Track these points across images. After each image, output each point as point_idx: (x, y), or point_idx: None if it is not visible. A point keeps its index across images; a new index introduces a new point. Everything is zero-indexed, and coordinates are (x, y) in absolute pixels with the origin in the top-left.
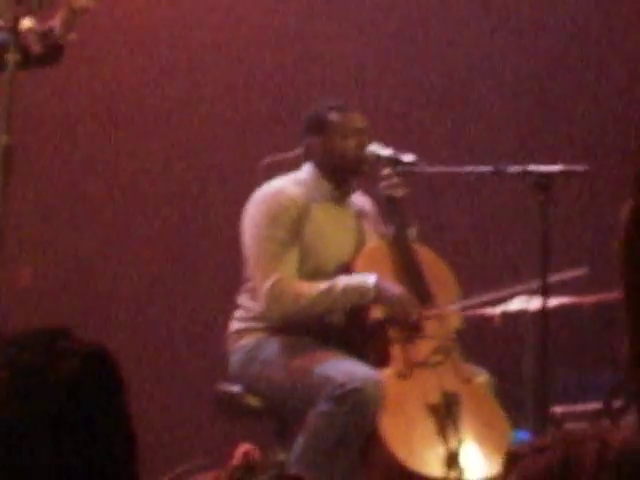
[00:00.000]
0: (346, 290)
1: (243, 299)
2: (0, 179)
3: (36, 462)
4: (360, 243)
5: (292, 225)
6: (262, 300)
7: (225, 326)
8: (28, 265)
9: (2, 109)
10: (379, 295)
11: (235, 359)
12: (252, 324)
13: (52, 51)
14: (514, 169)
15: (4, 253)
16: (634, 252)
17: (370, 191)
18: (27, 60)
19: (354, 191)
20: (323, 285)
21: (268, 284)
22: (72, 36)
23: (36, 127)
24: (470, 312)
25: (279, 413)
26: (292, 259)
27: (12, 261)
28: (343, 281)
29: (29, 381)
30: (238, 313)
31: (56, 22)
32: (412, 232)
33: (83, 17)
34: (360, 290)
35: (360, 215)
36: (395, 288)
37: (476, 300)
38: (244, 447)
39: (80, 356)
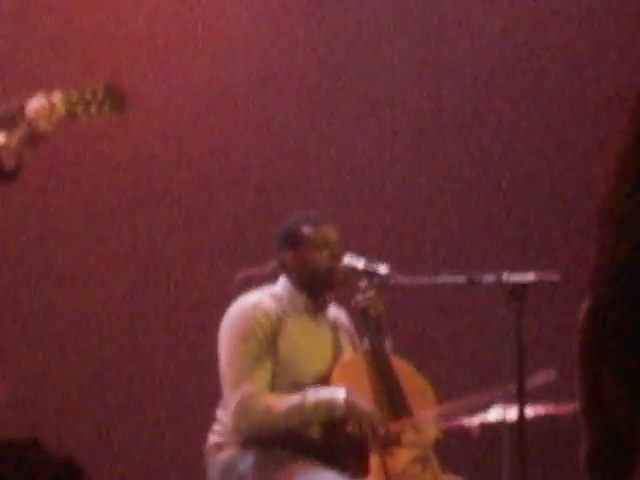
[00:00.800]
0: (316, 405)
1: (220, 413)
2: None
3: None
4: (336, 355)
5: (266, 339)
6: (231, 413)
7: (205, 439)
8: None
9: None
10: (348, 410)
11: (213, 473)
12: (230, 438)
13: (10, 171)
14: (488, 279)
15: None
16: (589, 356)
17: (344, 302)
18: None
19: (329, 303)
20: (292, 400)
21: (237, 398)
22: (27, 158)
23: None
24: (448, 423)
25: None
26: (264, 373)
27: None
28: (313, 395)
29: None
30: (216, 427)
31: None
32: (388, 344)
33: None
34: (329, 406)
35: (336, 327)
36: (363, 403)
37: (452, 408)
38: None
39: (51, 467)
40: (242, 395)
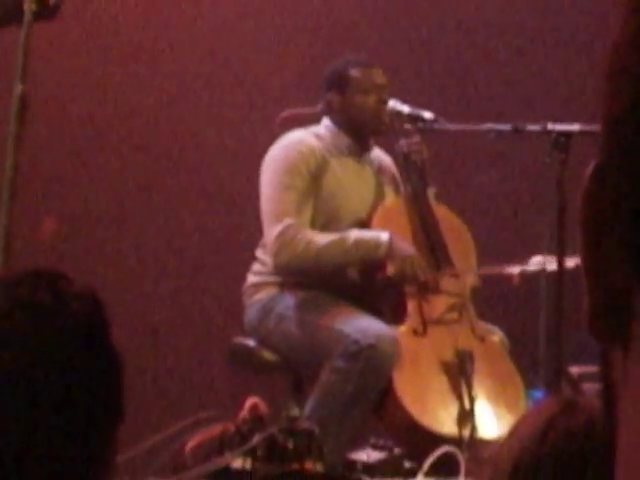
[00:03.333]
0: (358, 243)
1: (260, 253)
2: (14, 128)
3: (40, 403)
4: (378, 199)
5: (309, 175)
6: (271, 246)
7: (243, 280)
8: (50, 216)
9: (18, 59)
10: (390, 252)
11: (251, 313)
12: (268, 278)
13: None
14: (533, 127)
15: (24, 204)
16: (592, 214)
17: (388, 147)
18: (43, 10)
19: (372, 147)
20: (334, 236)
21: (279, 228)
22: None
23: (51, 77)
24: (487, 271)
25: (293, 368)
26: (306, 208)
27: (34, 212)
28: (355, 234)
29: (35, 318)
30: (255, 267)
31: None
32: (430, 190)
33: None
34: (372, 244)
35: (379, 171)
36: (407, 248)
37: (493, 265)
38: (252, 400)
39: (84, 299)
40: (284, 226)
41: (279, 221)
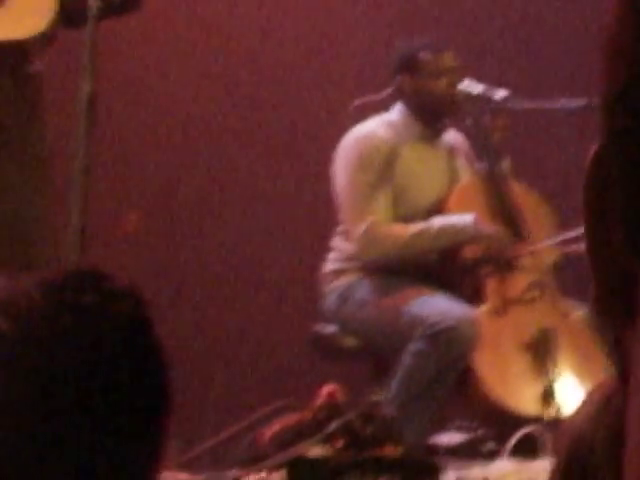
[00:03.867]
0: (443, 229)
1: (337, 241)
2: (83, 127)
3: (87, 404)
4: (453, 181)
5: (383, 167)
6: (356, 244)
7: (320, 268)
8: (134, 210)
9: (85, 57)
10: (477, 234)
11: (330, 300)
12: (346, 265)
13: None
14: None
15: (109, 198)
16: (594, 197)
17: (461, 128)
18: (109, 7)
19: (445, 130)
20: (418, 226)
21: (362, 228)
22: None
23: (119, 75)
24: (568, 247)
25: (374, 353)
26: (385, 201)
27: (117, 206)
28: (439, 221)
29: (81, 321)
30: (332, 255)
31: None
32: (506, 166)
33: None
34: (457, 229)
35: (452, 153)
36: (490, 226)
37: (572, 234)
38: (329, 387)
39: (128, 298)
40: (367, 225)
41: (361, 219)
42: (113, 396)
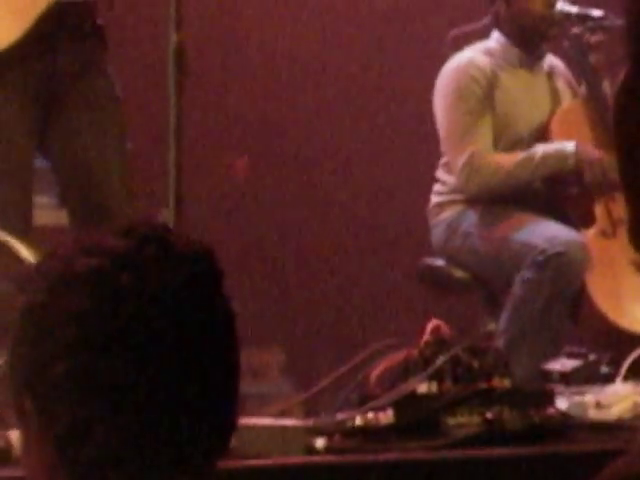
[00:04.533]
0: (545, 158)
1: (441, 173)
2: (173, 78)
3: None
4: (555, 104)
5: (483, 96)
6: (458, 175)
7: (427, 200)
8: (242, 156)
9: (170, 7)
10: (579, 161)
11: (437, 233)
12: (451, 197)
13: None
14: None
15: (218, 147)
16: (626, 128)
17: (560, 51)
18: None
19: (544, 54)
20: (520, 155)
21: (463, 159)
22: None
23: (206, 25)
24: None
25: (485, 284)
26: (486, 131)
27: (226, 154)
28: (541, 149)
29: (142, 273)
30: (437, 187)
31: None
32: (605, 85)
33: None
34: (560, 157)
35: (552, 77)
36: (594, 152)
37: None
38: (433, 323)
39: (193, 252)
40: (469, 155)
41: (462, 149)
42: (179, 345)
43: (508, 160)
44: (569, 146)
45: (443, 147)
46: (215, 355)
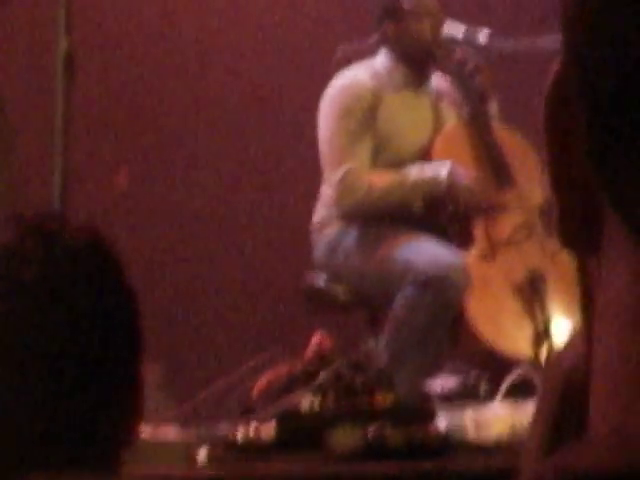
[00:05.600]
0: (418, 182)
1: (324, 189)
2: (62, 83)
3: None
4: (438, 127)
5: (364, 115)
6: (333, 191)
7: (310, 217)
8: (123, 169)
9: (60, 12)
10: (451, 186)
11: (320, 249)
12: (334, 214)
13: None
14: None
15: (95, 157)
16: (555, 121)
17: (446, 72)
18: None
19: (430, 76)
20: (395, 176)
21: (338, 175)
22: None
23: (96, 30)
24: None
25: (365, 302)
26: (364, 150)
27: (106, 166)
28: (415, 172)
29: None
30: (320, 203)
31: None
32: (492, 106)
33: None
34: (432, 180)
35: (438, 98)
36: (466, 178)
37: None
38: (317, 336)
39: (78, 241)
40: (344, 172)
41: (338, 166)
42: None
43: (382, 180)
44: (442, 169)
45: (323, 164)
46: (107, 348)
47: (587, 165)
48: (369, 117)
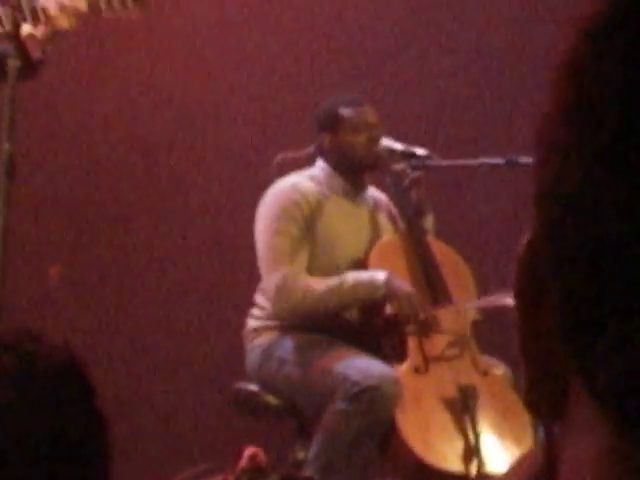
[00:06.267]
0: (355, 287)
1: (259, 297)
2: (2, 186)
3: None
4: (375, 238)
5: (304, 221)
6: (270, 296)
7: (243, 324)
8: (55, 264)
9: (4, 116)
10: (389, 293)
11: (252, 357)
12: (268, 322)
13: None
14: (526, 160)
15: (30, 253)
16: (526, 288)
17: (382, 185)
18: (28, 66)
19: (367, 186)
20: (332, 281)
21: (275, 278)
22: (47, 52)
23: (38, 135)
24: (486, 304)
25: (297, 412)
26: (302, 255)
27: (38, 261)
28: (352, 277)
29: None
30: (254, 311)
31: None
32: (428, 221)
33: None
34: (370, 287)
35: (375, 210)
36: (404, 286)
37: (492, 297)
38: (250, 449)
39: (55, 356)
40: (281, 276)
41: (276, 269)
42: (50, 443)
43: (318, 285)
44: (380, 275)
45: (260, 268)
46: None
47: (556, 336)
48: (309, 223)
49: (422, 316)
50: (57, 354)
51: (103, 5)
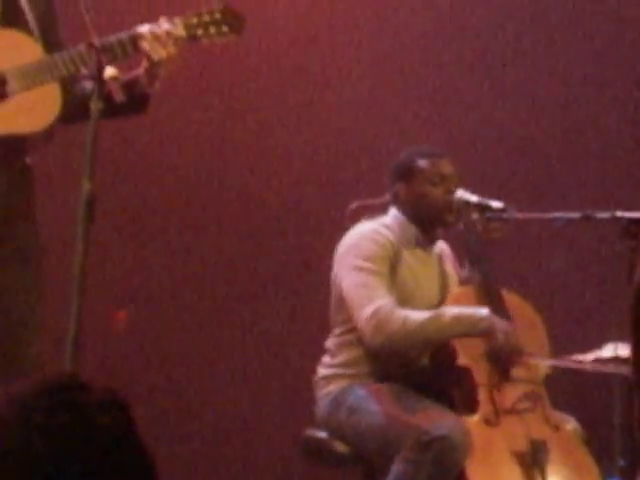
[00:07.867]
0: (457, 318)
1: (330, 344)
2: (82, 226)
3: None
4: (444, 287)
5: (389, 262)
6: (364, 328)
7: (314, 372)
8: (123, 309)
9: (85, 156)
10: (491, 327)
11: (322, 405)
12: (339, 370)
13: (137, 100)
14: (602, 215)
15: (97, 297)
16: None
17: (454, 235)
18: (110, 109)
19: (438, 238)
20: (429, 313)
21: (370, 311)
22: (156, 86)
23: (118, 175)
24: (561, 361)
25: (366, 460)
26: (391, 291)
27: (107, 305)
28: (453, 309)
29: (55, 444)
30: (326, 359)
31: (140, 71)
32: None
33: (170, 67)
34: (472, 319)
35: (441, 259)
36: (505, 322)
37: (565, 353)
38: None
39: (106, 407)
40: (376, 307)
41: (369, 303)
42: None
43: (417, 315)
44: (483, 310)
45: (351, 308)
46: None
47: None
48: (392, 265)
49: (518, 355)
50: (108, 405)
51: (200, 32)
